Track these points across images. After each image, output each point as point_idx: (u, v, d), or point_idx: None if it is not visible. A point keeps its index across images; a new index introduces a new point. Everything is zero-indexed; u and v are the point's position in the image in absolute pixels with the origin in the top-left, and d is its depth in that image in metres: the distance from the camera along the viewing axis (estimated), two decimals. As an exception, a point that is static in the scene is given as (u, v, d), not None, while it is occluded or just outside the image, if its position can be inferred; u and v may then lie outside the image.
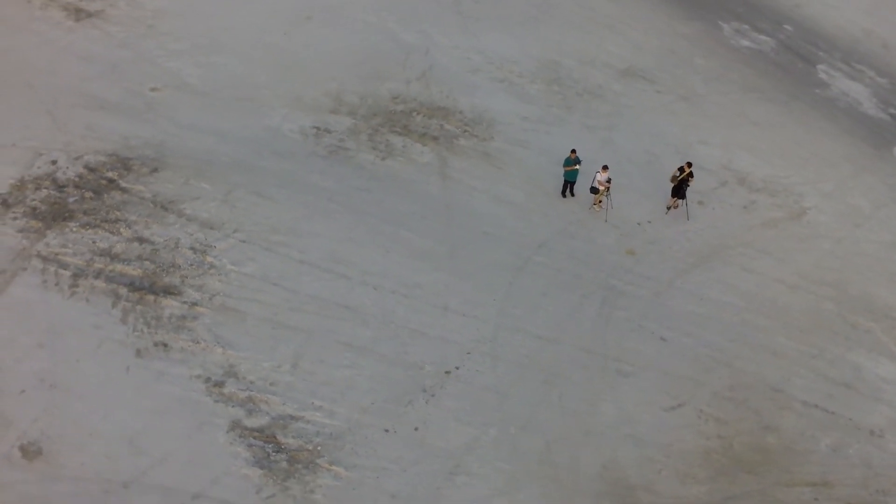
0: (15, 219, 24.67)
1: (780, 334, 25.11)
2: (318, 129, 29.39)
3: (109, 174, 26.53)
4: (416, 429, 21.64)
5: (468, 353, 23.38)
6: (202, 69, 30.90)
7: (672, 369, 23.74)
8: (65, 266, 23.76)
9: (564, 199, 28.23)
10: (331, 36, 33.12)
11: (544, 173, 28.85)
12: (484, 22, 35.20)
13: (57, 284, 23.30)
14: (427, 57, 33.01)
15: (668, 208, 28.18)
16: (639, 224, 27.81)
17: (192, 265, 24.35)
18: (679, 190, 27.78)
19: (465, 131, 30.15)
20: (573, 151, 27.49)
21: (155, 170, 26.89)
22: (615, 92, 32.79)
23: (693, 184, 27.92)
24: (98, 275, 23.65)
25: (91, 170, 26.61)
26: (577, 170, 27.47)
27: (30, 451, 20.07)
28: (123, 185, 26.30)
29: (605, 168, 27.14)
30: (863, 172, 30.86)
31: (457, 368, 22.99)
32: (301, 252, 25.19)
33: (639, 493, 21.06)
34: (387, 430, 21.52)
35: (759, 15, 38.15)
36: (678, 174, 27.52)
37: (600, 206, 27.74)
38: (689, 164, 27.48)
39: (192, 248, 24.77)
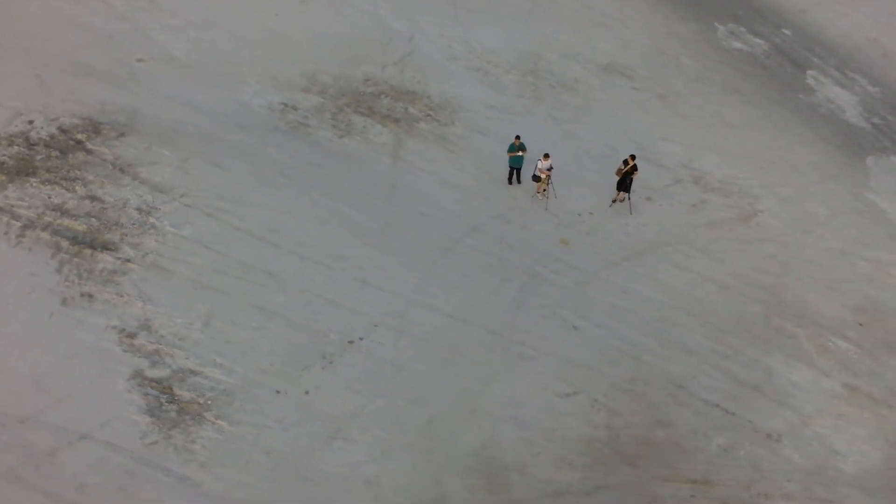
0: (-17, 172, 25.75)
1: (697, 333, 24.28)
2: (285, 105, 29.76)
3: (79, 136, 27.43)
4: (306, 392, 21.79)
5: (375, 326, 23.37)
6: (190, 44, 31.61)
7: (576, 358, 23.23)
8: (17, 217, 24.70)
9: (510, 185, 27.86)
10: (321, 20, 33.42)
11: (498, 160, 28.53)
12: (476, 13, 34.95)
13: (6, 234, 24.24)
14: (410, 44, 33.00)
15: (613, 201, 27.51)
16: (579, 215, 27.26)
17: (134, 224, 25.01)
18: (623, 183, 27.09)
19: (428, 115, 30.06)
20: (517, 137, 27.14)
21: (122, 134, 27.67)
22: (590, 86, 32.15)
23: (638, 177, 27.18)
24: (45, 227, 24.52)
25: (63, 131, 27.56)
26: (520, 156, 27.09)
27: (-57, 382, 20.99)
28: (89, 146, 27.16)
29: (546, 156, 26.69)
30: (828, 180, 29.46)
31: (360, 339, 23.02)
32: (240, 219, 25.59)
33: (511, 473, 20.73)
34: (278, 392, 21.73)
35: (759, 18, 36.76)
36: (622, 167, 26.83)
37: (543, 195, 27.28)
38: (633, 157, 26.79)
39: (138, 209, 25.43)
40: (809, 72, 34.30)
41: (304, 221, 25.80)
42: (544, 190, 27.28)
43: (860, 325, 24.99)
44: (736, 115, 31.63)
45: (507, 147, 27.44)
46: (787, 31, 36.25)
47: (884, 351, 24.40)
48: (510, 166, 27.51)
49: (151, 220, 25.21)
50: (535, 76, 32.22)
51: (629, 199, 27.45)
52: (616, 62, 33.25)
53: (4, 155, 26.45)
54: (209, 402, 21.30)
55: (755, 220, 27.69)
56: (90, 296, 23.10)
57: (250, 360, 22.24)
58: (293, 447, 20.66)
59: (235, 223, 25.47)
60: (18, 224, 24.53)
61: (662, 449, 21.55)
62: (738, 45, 35.13)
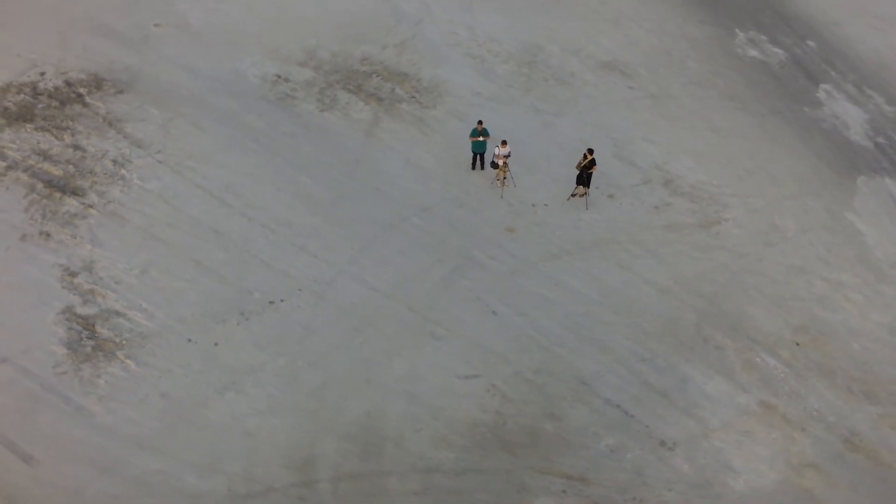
0: (-13, 114, 27.27)
1: (620, 333, 23.33)
2: (278, 77, 30.20)
3: (81, 90, 28.67)
4: (215, 344, 22.19)
5: (299, 290, 23.55)
6: (206, 13, 32.47)
7: (486, 342, 22.75)
8: (4, 158, 26.10)
9: (474, 171, 27.44)
10: (334, -2, 33.64)
11: (469, 146, 28.11)
12: (490, 2, 34.45)
13: (-10, 172, 25.61)
14: (415, 27, 32.87)
15: (572, 195, 26.71)
16: (534, 205, 26.60)
17: (106, 174, 26.01)
18: (581, 177, 26.26)
19: (413, 97, 29.91)
20: (479, 122, 26.70)
21: (120, 92, 28.77)
22: (584, 81, 31.23)
23: (597, 172, 26.29)
24: (27, 169, 25.80)
25: (69, 84, 28.87)
26: (482, 141, 26.64)
27: None
28: (88, 100, 28.36)
29: (503, 143, 26.15)
30: (807, 195, 27.67)
31: (281, 301, 23.25)
32: (203, 178, 26.22)
33: (387, 444, 20.54)
34: (190, 340, 22.22)
35: (785, 28, 34.77)
36: (582, 160, 26.01)
37: (502, 182, 26.75)
38: (591, 151, 25.92)
39: (113, 161, 26.43)
40: (823, 85, 32.22)
41: (263, 186, 26.16)
42: (504, 178, 26.71)
43: (797, 344, 23.44)
44: (727, 121, 30.07)
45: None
46: (811, 43, 34.13)
47: (814, 374, 22.80)
48: (472, 151, 27.06)
49: (123, 171, 26.11)
50: (530, 67, 31.53)
51: (588, 194, 26.55)
52: (617, 60, 32.14)
53: (10, 101, 27.88)
54: (124, 342, 21.97)
55: (717, 227, 26.30)
56: (47, 234, 24.16)
57: (174, 308, 22.79)
58: (188, 393, 21.09)
59: (198, 181, 26.08)
60: (3, 164, 25.88)
61: (547, 441, 20.88)
62: (753, 52, 33.34)
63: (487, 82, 30.81)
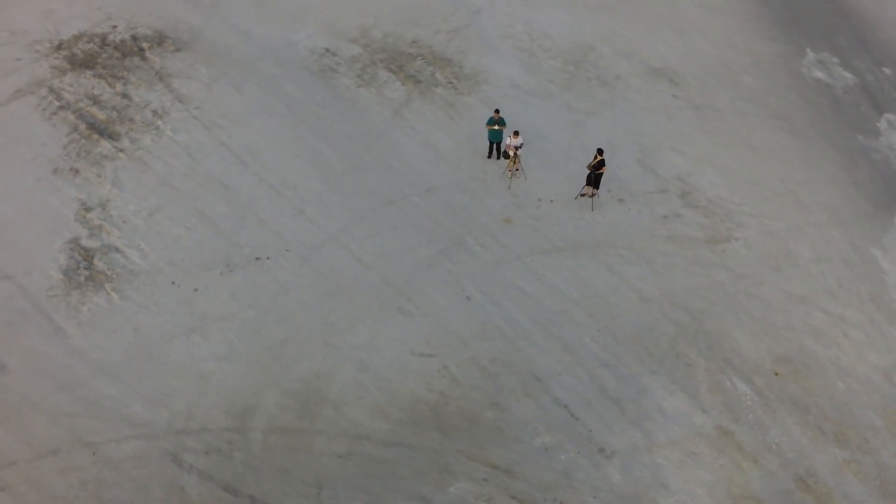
0: (56, 59, 29.31)
1: (589, 335, 22.66)
2: (327, 50, 30.89)
3: (144, 44, 30.31)
4: (195, 290, 23.07)
5: (287, 251, 24.12)
6: (277, -15, 33.51)
7: (451, 325, 22.61)
8: (60, 98, 27.96)
9: (489, 159, 27.23)
10: (403, -19, 33.99)
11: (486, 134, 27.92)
12: (556, -1, 33.98)
13: (45, 110, 27.55)
14: (473, 16, 32.84)
15: (582, 195, 26.08)
16: (539, 200, 26.14)
17: (143, 123, 27.44)
18: (590, 177, 25.60)
19: (450, 83, 29.94)
20: (496, 111, 26.45)
21: (178, 49, 30.22)
22: (627, 85, 30.34)
23: (607, 173, 25.58)
24: (76, 111, 27.56)
25: (134, 39, 30.58)
26: (497, 130, 26.38)
27: (-65, 209, 24.51)
28: (147, 55, 29.95)
29: (515, 133, 25.80)
30: (834, 224, 25.89)
31: (267, 258, 23.88)
32: (228, 137, 27.23)
33: (326, 406, 20.80)
34: (173, 283, 23.19)
35: (862, 52, 32.55)
36: (592, 160, 25.37)
37: (512, 173, 26.43)
38: (601, 152, 25.22)
39: (153, 111, 27.84)
40: (887, 115, 29.99)
41: (281, 150, 26.88)
42: (515, 169, 26.38)
43: (776, 374, 22.05)
44: (767, 140, 28.48)
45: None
46: (886, 70, 31.82)
47: (786, 407, 21.40)
48: (489, 140, 26.85)
49: (159, 122, 27.44)
50: (577, 66, 30.89)
51: (597, 195, 25.86)
52: (669, 68, 31.01)
53: (80, 49, 29.79)
54: (115, 276, 23.16)
55: (724, 246, 25.04)
56: (76, 171, 25.75)
57: (167, 251, 23.82)
58: (157, 330, 22.03)
59: (223, 139, 27.09)
60: (57, 104, 27.70)
61: (483, 429, 20.57)
62: (819, 74, 31.39)
63: (528, 76, 30.41)
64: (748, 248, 24.99)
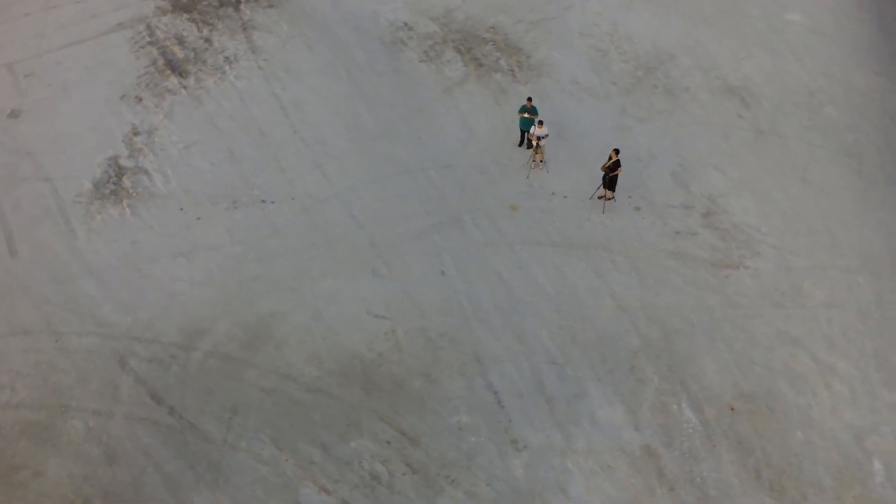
0: (163, 0, 32.23)
1: (548, 330, 22.27)
2: (405, 24, 31.86)
3: (242, -3, 32.62)
4: (198, 218, 24.83)
5: (292, 199, 25.38)
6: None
7: (416, 294, 22.96)
8: (152, 35, 30.77)
9: (520, 147, 27.19)
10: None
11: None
12: (654, 4, 33.08)
13: (136, 43, 30.39)
14: (562, 11, 32.65)
15: (599, 197, 25.52)
16: (553, 194, 25.83)
17: (213, 66, 29.66)
18: (605, 179, 25.02)
19: (511, 71, 30.05)
20: (529, 99, 26.37)
21: (270, 6, 32.29)
22: (693, 98, 29.16)
23: (622, 174, 24.85)
24: (161, 47, 30.24)
25: (237, -9, 32.97)
26: (526, 118, 26.30)
27: (15, 113, 27.86)
28: (241, 7, 32.23)
29: (540, 123, 25.63)
30: (864, 272, 23.75)
31: (272, 203, 25.25)
32: (282, 89, 28.88)
33: (270, 344, 21.80)
34: (181, 209, 25.07)
35: (979, 100, 29.39)
36: (607, 161, 24.80)
37: (535, 164, 26.28)
38: (616, 152, 24.54)
39: (226, 58, 30.01)
40: (980, 171, 26.96)
41: (325, 108, 28.15)
42: (540, 160, 26.20)
43: (732, 409, 20.70)
44: (826, 176, 26.45)
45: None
46: None
47: (728, 444, 20.07)
48: (520, 128, 26.80)
49: (227, 67, 29.54)
50: (647, 72, 30.01)
51: (613, 198, 25.20)
52: (747, 87, 29.42)
53: (185, -5, 32.53)
54: (135, 194, 25.36)
55: (730, 272, 23.66)
56: (140, 99, 28.29)
57: (187, 181, 25.75)
58: (151, 247, 23.94)
59: (277, 91, 28.76)
60: (148, 39, 30.48)
61: (406, 395, 20.82)
62: (916, 116, 28.68)
63: (593, 75, 29.89)
64: (756, 278, 23.44)
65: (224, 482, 19.19)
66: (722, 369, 21.33)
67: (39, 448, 19.63)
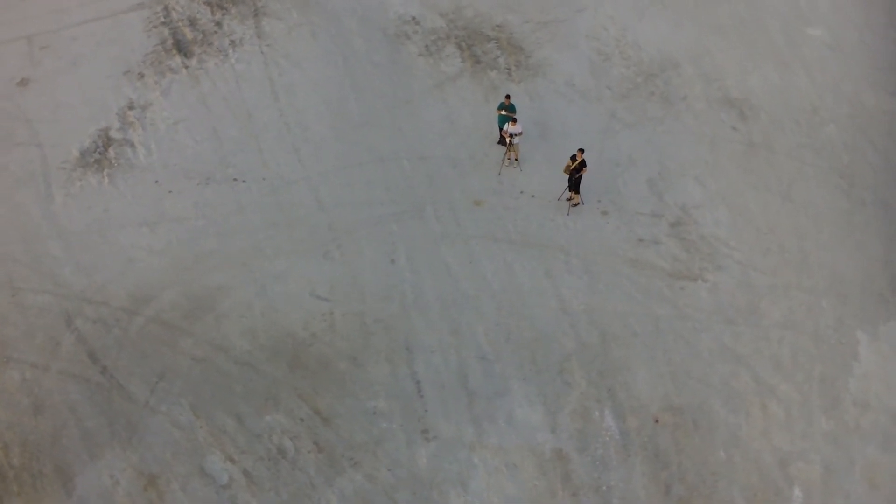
0: (185, -17, 33.52)
1: (483, 327, 22.25)
2: (413, 18, 32.28)
3: (259, -15, 33.69)
4: (169, 192, 25.79)
5: (263, 179, 26.11)
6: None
7: (362, 280, 23.29)
8: (167, 16, 32.07)
9: (499, 145, 27.24)
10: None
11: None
12: (668, 11, 32.60)
13: (150, 22, 31.72)
14: (574, 13, 32.51)
15: (568, 199, 25.34)
16: (522, 192, 25.80)
17: (217, 49, 30.74)
18: (570, 180, 24.85)
19: (508, 69, 30.13)
20: (507, 97, 26.41)
21: (284, -6, 33.24)
22: (689, 108, 28.64)
23: (586, 174, 24.63)
24: (172, 28, 31.51)
25: (255, -22, 34.04)
26: (503, 115, 26.35)
27: (24, 81, 29.48)
28: (257, -6, 33.28)
29: (514, 121, 25.64)
30: (831, 295, 22.89)
31: (243, 182, 26.04)
32: (279, 75, 29.70)
33: (210, 316, 22.47)
34: (156, 182, 26.09)
35: None
36: (570, 162, 24.64)
37: (507, 161, 26.33)
38: (581, 151, 24.34)
39: (231, 41, 31.06)
40: (983, 201, 25.60)
41: (315, 94, 28.82)
42: (516, 158, 26.23)
43: (656, 420, 20.29)
44: (811, 195, 25.56)
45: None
46: None
47: (645, 455, 19.68)
48: (498, 126, 26.87)
49: (230, 50, 30.57)
50: (647, 79, 29.62)
51: (581, 202, 25.00)
52: (748, 100, 28.70)
53: (207, -21, 33.76)
54: (116, 165, 26.54)
55: (686, 283, 23.18)
56: (142, 76, 29.55)
57: (167, 156, 26.78)
58: (121, 216, 25.00)
59: (274, 75, 29.60)
60: (162, 20, 31.81)
61: (329, 376, 21.17)
62: (925, 140, 27.44)
63: (591, 78, 29.67)
64: (712, 293, 22.87)
65: (137, 442, 19.90)
66: (655, 380, 20.91)
67: (-24, 393, 20.76)
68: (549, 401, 20.55)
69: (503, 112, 26.26)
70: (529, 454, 19.61)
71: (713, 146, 27.07)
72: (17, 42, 30.68)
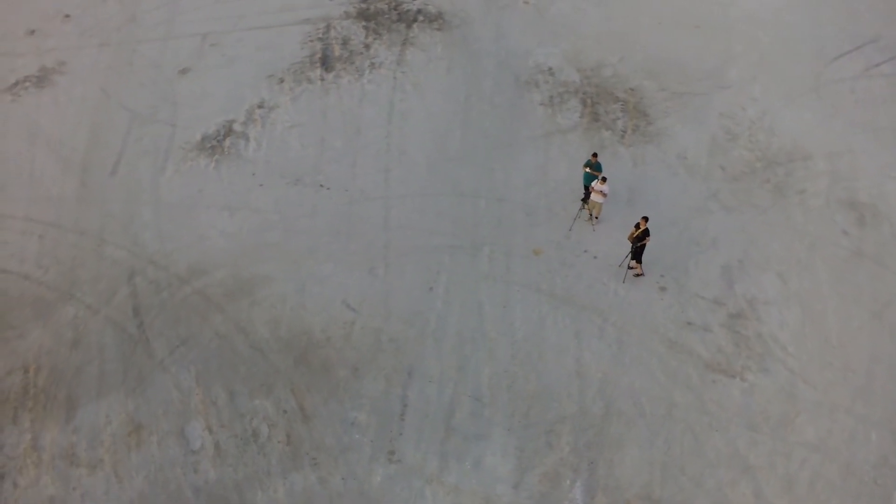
0: (353, 6, 36.55)
1: (490, 370, 22.32)
2: (549, 69, 33.05)
3: (420, 17, 35.90)
4: (260, 185, 28.11)
5: (346, 190, 27.80)
6: (572, 8, 36.36)
7: (394, 300, 24.11)
8: (325, 33, 34.99)
9: (582, 202, 27.20)
10: (699, 42, 33.78)
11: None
12: (823, 103, 31.13)
13: (308, 35, 34.77)
14: (717, 89, 31.85)
15: (628, 268, 24.84)
16: (585, 251, 25.62)
17: (356, 69, 33.13)
18: (633, 248, 24.40)
19: (623, 132, 29.99)
20: (594, 155, 26.49)
21: (440, 29, 35.24)
22: (802, 203, 27.08)
23: (650, 244, 24.07)
24: (325, 42, 34.32)
25: (419, 11, 36.31)
26: (588, 173, 26.33)
27: (185, 70, 33.34)
28: (413, 25, 35.46)
29: (603, 179, 25.52)
30: (882, 430, 20.83)
31: (327, 189, 27.86)
32: (401, 100, 31.44)
33: (246, 300, 24.25)
34: (253, 174, 28.55)
35: None
36: (634, 230, 24.27)
37: (587, 219, 26.23)
38: (645, 220, 23.89)
39: (371, 63, 33.40)
40: None
41: (425, 123, 30.18)
42: (597, 217, 26.09)
43: (627, 503, 19.41)
44: (910, 320, 23.36)
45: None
46: None
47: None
48: (583, 183, 26.89)
49: (367, 71, 32.84)
50: (766, 166, 28.34)
51: (642, 273, 24.45)
52: (875, 206, 26.67)
53: (372, 6, 36.53)
54: (227, 154, 29.34)
55: (720, 378, 21.98)
56: (282, 81, 32.45)
57: (272, 154, 29.12)
58: (212, 197, 27.54)
59: (395, 99, 31.44)
60: (319, 36, 34.80)
61: (327, 380, 22.16)
62: None
63: (704, 155, 28.92)
64: (746, 394, 21.52)
65: (140, 392, 21.84)
66: (643, 465, 19.95)
67: (35, 318, 23.71)
68: (525, 456, 20.18)
69: (587, 169, 26.20)
70: (481, 502, 19.35)
71: (812, 246, 25.40)
72: (194, 37, 34.61)
